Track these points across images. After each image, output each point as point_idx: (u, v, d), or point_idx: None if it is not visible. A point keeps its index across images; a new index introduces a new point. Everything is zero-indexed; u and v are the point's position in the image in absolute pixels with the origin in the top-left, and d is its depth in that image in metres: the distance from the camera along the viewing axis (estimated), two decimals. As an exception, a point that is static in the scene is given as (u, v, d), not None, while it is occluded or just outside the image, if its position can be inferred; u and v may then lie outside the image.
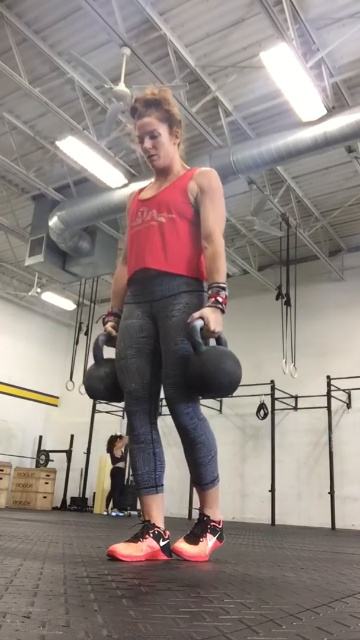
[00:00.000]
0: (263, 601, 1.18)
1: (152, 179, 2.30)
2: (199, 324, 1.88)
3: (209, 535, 2.08)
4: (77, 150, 7.03)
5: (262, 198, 7.94)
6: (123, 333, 2.15)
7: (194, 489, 8.75)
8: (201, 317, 1.89)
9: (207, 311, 1.90)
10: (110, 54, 5.98)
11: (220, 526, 2.14)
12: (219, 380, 1.88)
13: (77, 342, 10.41)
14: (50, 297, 11.42)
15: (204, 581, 1.54)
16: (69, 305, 11.73)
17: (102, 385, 2.16)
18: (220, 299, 1.93)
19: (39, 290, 11.11)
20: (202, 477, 2.07)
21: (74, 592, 1.18)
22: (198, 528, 2.09)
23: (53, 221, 8.35)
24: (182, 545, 2.01)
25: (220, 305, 1.92)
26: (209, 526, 2.09)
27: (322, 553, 3.06)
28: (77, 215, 8.12)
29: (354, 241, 9.90)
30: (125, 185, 7.52)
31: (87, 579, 1.40)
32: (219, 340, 1.97)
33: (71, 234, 8.58)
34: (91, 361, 2.31)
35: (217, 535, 2.11)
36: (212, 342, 2.00)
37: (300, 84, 5.59)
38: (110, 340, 2.22)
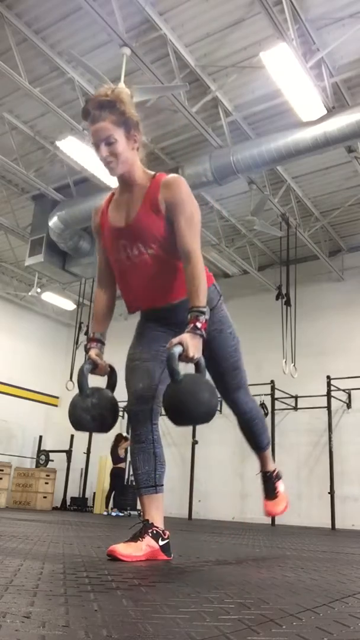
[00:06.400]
0: (263, 601, 1.18)
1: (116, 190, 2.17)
2: (177, 350, 1.80)
3: (279, 484, 2.53)
4: (77, 150, 7.03)
5: (262, 198, 7.94)
6: (141, 338, 2.17)
7: (193, 488, 8.63)
8: (180, 343, 1.82)
9: (186, 337, 1.84)
10: (110, 54, 5.98)
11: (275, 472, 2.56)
12: (194, 411, 1.82)
13: (77, 342, 10.41)
14: (50, 297, 11.42)
15: (204, 581, 1.54)
16: (69, 305, 11.73)
17: (89, 417, 2.06)
18: (199, 324, 1.86)
19: (39, 290, 11.10)
20: (261, 443, 2.46)
21: (74, 592, 1.18)
22: (268, 484, 2.52)
23: (53, 221, 8.35)
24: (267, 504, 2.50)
25: (199, 331, 1.85)
26: (276, 475, 2.53)
27: (322, 553, 3.06)
28: (77, 215, 8.12)
29: (354, 241, 9.90)
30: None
31: (87, 579, 1.40)
32: (198, 366, 1.89)
33: (71, 234, 8.58)
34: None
35: (277, 478, 2.55)
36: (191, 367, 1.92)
37: (300, 84, 5.59)
38: (95, 368, 2.14)
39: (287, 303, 8.63)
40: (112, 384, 2.20)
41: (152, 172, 2.10)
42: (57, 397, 12.84)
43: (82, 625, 0.86)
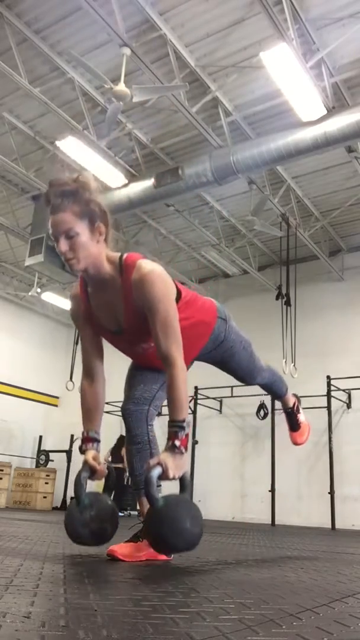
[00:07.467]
0: (263, 601, 1.18)
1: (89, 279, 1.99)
2: (156, 473, 1.68)
3: (300, 416, 2.77)
4: (77, 150, 7.03)
5: (262, 198, 7.94)
6: None
7: (193, 488, 8.60)
8: (159, 464, 1.69)
9: (165, 457, 1.70)
10: (110, 54, 5.98)
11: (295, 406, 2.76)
12: (174, 541, 1.68)
13: (77, 342, 10.39)
14: (50, 297, 11.42)
15: (204, 581, 1.54)
16: (69, 305, 11.71)
17: (88, 531, 1.89)
18: (178, 442, 1.72)
19: (39, 290, 11.10)
20: (281, 393, 2.68)
21: (74, 592, 1.18)
22: (291, 417, 2.75)
23: (53, 221, 8.34)
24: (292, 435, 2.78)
25: (178, 449, 1.72)
26: (297, 409, 2.75)
27: (322, 553, 3.06)
28: (77, 215, 8.11)
29: (354, 241, 9.90)
30: (125, 185, 7.51)
31: (87, 579, 1.40)
32: (182, 483, 1.78)
33: (71, 234, 8.58)
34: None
35: (298, 411, 2.75)
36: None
37: (300, 84, 5.59)
38: (93, 473, 1.96)
39: (287, 303, 8.62)
40: (109, 487, 2.08)
41: (117, 259, 1.92)
42: (57, 397, 12.84)
43: (82, 625, 0.86)
